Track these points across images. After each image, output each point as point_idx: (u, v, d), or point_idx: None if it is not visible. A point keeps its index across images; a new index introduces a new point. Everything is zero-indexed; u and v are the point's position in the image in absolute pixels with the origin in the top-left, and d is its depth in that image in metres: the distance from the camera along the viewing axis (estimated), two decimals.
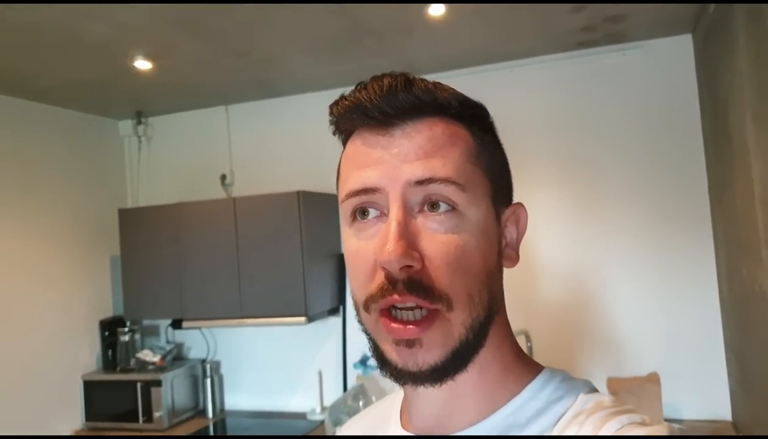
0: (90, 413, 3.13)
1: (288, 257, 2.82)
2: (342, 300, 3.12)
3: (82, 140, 3.36)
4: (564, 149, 2.86)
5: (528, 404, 0.55)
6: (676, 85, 2.73)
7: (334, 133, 0.58)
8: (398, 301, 0.50)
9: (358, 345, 3.08)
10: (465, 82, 2.98)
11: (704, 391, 2.63)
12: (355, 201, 0.54)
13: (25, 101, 3.01)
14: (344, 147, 0.58)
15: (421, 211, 0.52)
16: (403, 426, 0.61)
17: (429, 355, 0.51)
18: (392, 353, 0.52)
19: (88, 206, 3.33)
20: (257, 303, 2.88)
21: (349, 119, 0.55)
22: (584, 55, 2.83)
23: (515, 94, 2.91)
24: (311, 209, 2.90)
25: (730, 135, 2.21)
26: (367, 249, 0.52)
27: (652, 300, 2.73)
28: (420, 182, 0.51)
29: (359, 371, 3.01)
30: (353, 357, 3.07)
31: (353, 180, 0.53)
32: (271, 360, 3.29)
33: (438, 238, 0.51)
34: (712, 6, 2.29)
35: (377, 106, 0.52)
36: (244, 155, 3.38)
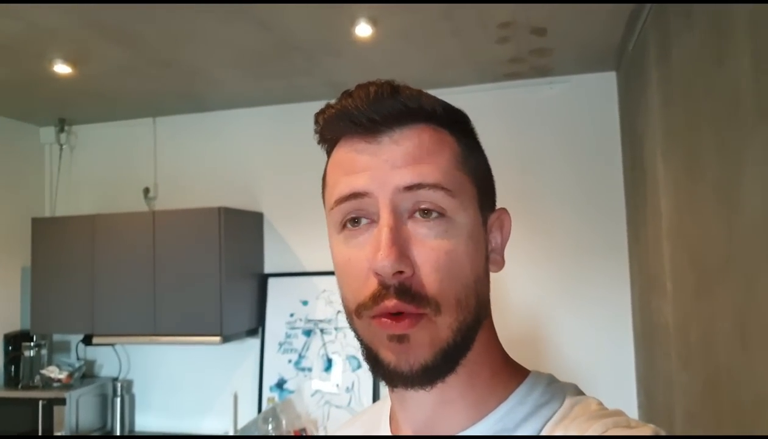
0: None
1: (206, 274, 2.74)
2: (261, 321, 3.04)
3: (0, 145, 3.21)
4: (499, 177, 2.86)
5: (516, 409, 0.55)
6: (601, 119, 2.80)
7: (318, 143, 0.57)
8: (390, 308, 0.50)
9: (276, 367, 2.99)
10: None
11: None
12: (345, 207, 0.53)
13: None
14: (329, 156, 0.58)
15: (410, 217, 0.52)
16: (393, 432, 0.61)
17: (418, 354, 0.51)
18: (386, 352, 0.52)
19: (2, 214, 3.17)
20: (172, 320, 2.78)
21: (336, 127, 0.55)
22: (513, 87, 2.88)
23: None
24: (233, 227, 2.83)
25: (645, 170, 2.27)
26: (359, 257, 0.52)
27: (574, 329, 2.76)
28: (409, 188, 0.51)
29: (275, 394, 2.92)
30: (270, 380, 2.98)
31: (342, 185, 0.53)
32: (186, 380, 3.17)
33: (428, 244, 0.52)
34: (631, 45, 2.37)
35: (364, 113, 0.52)
36: (170, 169, 3.29)
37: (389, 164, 0.52)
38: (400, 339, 0.51)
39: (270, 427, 2.48)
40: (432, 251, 0.51)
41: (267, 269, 3.12)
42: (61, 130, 3.37)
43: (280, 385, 2.93)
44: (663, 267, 2.00)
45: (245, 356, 3.09)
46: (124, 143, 3.38)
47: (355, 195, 0.53)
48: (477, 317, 0.55)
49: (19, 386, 3.01)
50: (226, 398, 3.04)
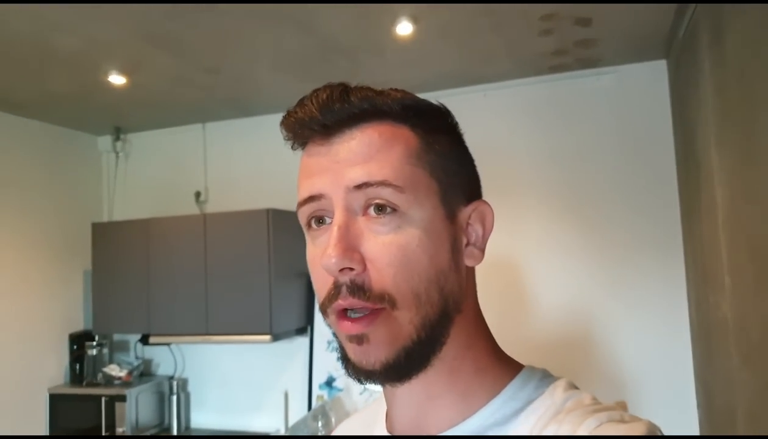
0: (54, 426, 3.09)
1: (255, 274, 2.80)
2: (310, 320, 3.09)
3: (61, 154, 3.38)
4: (542, 173, 2.84)
5: (507, 404, 0.55)
6: (651, 110, 2.71)
7: (292, 148, 0.59)
8: (342, 305, 0.51)
9: (325, 365, 3.03)
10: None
11: (673, 422, 2.55)
12: (306, 209, 0.55)
13: (2, 113, 3.03)
14: None
15: (364, 214, 0.53)
16: (388, 429, 0.62)
17: (379, 352, 0.52)
18: (350, 351, 0.53)
19: (64, 219, 3.34)
20: (223, 320, 2.85)
21: (295, 134, 0.57)
22: (558, 80, 2.82)
23: (490, 117, 2.91)
24: (281, 228, 2.89)
25: (698, 161, 2.19)
26: (319, 255, 0.53)
27: (626, 326, 2.68)
28: (358, 186, 0.52)
29: (324, 392, 2.96)
30: (319, 378, 3.02)
31: (302, 189, 0.55)
32: (238, 379, 3.25)
33: (380, 239, 0.52)
34: (682, 31, 2.29)
35: (316, 120, 0.54)
36: (219, 173, 3.39)
37: (341, 165, 0.53)
38: (359, 339, 0.52)
39: (320, 424, 2.51)
40: (384, 246, 0.52)
41: None
42: (117, 138, 3.52)
43: (329, 383, 2.97)
44: (720, 260, 1.92)
45: (295, 355, 3.15)
46: (175, 149, 3.50)
47: (312, 198, 0.54)
48: (444, 312, 0.54)
49: (84, 383, 3.17)
50: (277, 395, 3.10)
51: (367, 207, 0.53)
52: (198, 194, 3.37)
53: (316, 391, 2.98)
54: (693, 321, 2.52)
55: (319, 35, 2.30)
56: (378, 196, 0.52)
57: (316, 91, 0.55)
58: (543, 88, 2.85)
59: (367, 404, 0.73)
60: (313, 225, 0.56)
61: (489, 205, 0.59)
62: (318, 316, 3.07)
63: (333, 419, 2.51)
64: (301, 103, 0.55)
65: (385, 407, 0.64)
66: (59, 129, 3.37)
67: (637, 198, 2.70)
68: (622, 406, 2.54)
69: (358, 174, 0.52)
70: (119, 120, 3.39)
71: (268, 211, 2.81)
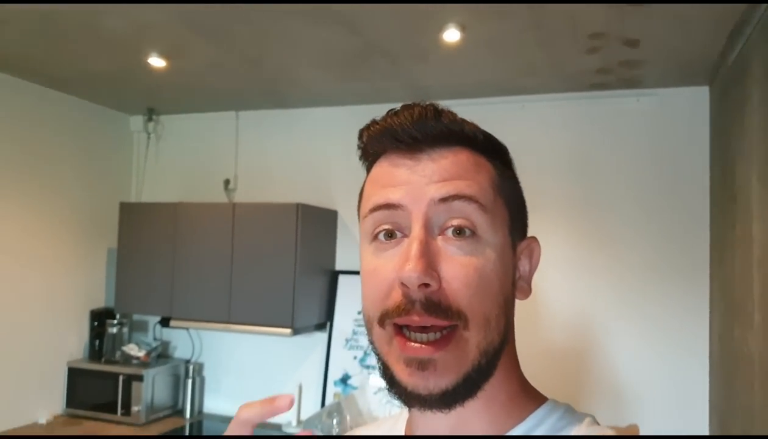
0: (71, 400, 3.14)
1: (281, 267, 2.82)
2: (330, 316, 3.11)
3: (93, 131, 3.41)
4: (572, 189, 2.83)
5: (532, 431, 0.56)
6: (689, 136, 2.69)
7: (360, 158, 0.60)
8: (417, 322, 0.51)
9: (341, 363, 3.05)
10: (477, 112, 2.94)
11: None
12: (377, 216, 0.55)
13: (39, 87, 3.06)
14: (368, 173, 0.60)
15: (441, 234, 0.53)
16: None
17: (441, 380, 0.51)
18: (403, 375, 0.52)
19: (92, 197, 3.36)
20: (245, 309, 2.88)
21: (379, 143, 0.57)
22: (597, 97, 2.80)
23: (526, 128, 2.89)
24: (309, 223, 2.90)
25: (735, 193, 2.17)
26: (386, 267, 0.53)
27: (642, 351, 2.67)
28: (444, 199, 0.52)
29: (338, 389, 2.98)
30: (335, 374, 3.04)
31: (377, 196, 0.55)
32: (254, 368, 3.28)
33: (457, 260, 0.52)
34: (731, 59, 2.26)
35: (407, 131, 0.54)
36: (250, 162, 3.40)
37: (426, 180, 0.53)
38: (423, 365, 0.51)
39: (334, 421, 2.54)
40: (461, 267, 0.52)
41: (338, 266, 3.19)
42: (149, 119, 3.53)
43: (344, 380, 2.99)
44: (751, 296, 1.91)
45: (312, 350, 3.17)
46: (207, 135, 3.51)
47: (388, 206, 0.54)
48: (504, 340, 0.55)
49: (102, 360, 3.21)
50: (291, 389, 3.12)
51: (445, 228, 0.53)
52: (227, 182, 3.39)
53: (330, 387, 3.01)
54: (714, 352, 2.51)
55: (365, 36, 2.30)
56: (462, 213, 0.53)
57: (407, 105, 0.56)
58: (581, 104, 2.83)
59: (378, 421, 0.73)
60: (381, 238, 0.55)
61: (538, 242, 0.61)
62: (338, 313, 3.08)
63: (348, 417, 2.53)
64: (391, 114, 0.56)
65: (403, 424, 0.65)
66: (93, 106, 3.39)
67: (665, 224, 2.69)
68: (634, 430, 2.54)
69: (445, 188, 0.53)
70: (154, 101, 3.41)
71: (297, 205, 2.83)
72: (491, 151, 0.58)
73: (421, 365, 0.51)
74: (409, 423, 0.63)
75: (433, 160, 0.54)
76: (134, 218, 3.18)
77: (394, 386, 0.54)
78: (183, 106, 3.45)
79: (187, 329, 3.30)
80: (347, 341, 3.04)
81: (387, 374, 0.54)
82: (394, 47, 2.40)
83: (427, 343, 0.51)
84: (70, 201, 3.23)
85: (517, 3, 1.95)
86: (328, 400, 2.98)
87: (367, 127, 0.58)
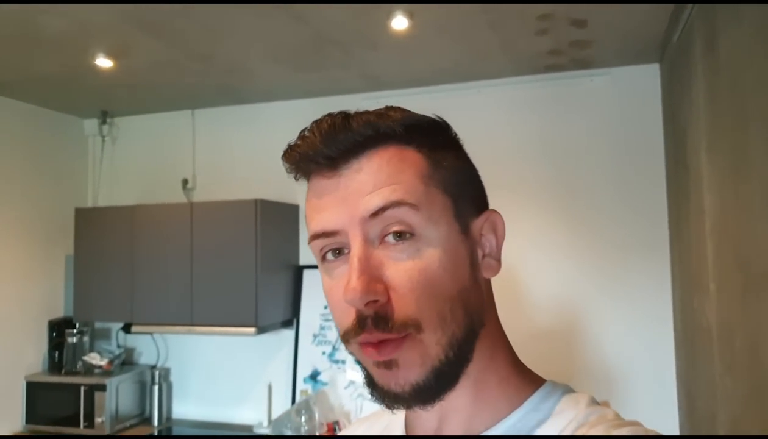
0: (31, 415, 3.04)
1: (242, 265, 2.77)
2: (296, 313, 3.07)
3: (46, 136, 3.32)
4: (533, 171, 2.84)
5: (529, 416, 0.55)
6: (642, 113, 2.72)
7: (296, 179, 0.58)
8: (369, 339, 0.51)
9: (310, 359, 3.01)
10: (433, 100, 3.00)
11: (653, 423, 2.57)
12: (319, 243, 0.55)
13: None
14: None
15: (381, 242, 0.53)
16: (408, 434, 0.63)
17: (409, 374, 0.51)
18: (377, 376, 0.54)
19: (48, 203, 3.28)
20: (208, 311, 2.83)
21: (299, 168, 0.56)
22: (552, 79, 2.82)
23: (483, 114, 2.90)
24: (269, 219, 2.86)
25: (687, 165, 2.20)
26: (338, 287, 0.53)
27: (613, 326, 2.70)
28: (375, 214, 0.52)
29: (308, 386, 2.95)
30: (304, 371, 3.01)
31: (314, 224, 0.55)
32: (222, 370, 3.23)
33: (400, 266, 0.52)
34: (676, 36, 2.29)
35: (320, 152, 0.53)
36: (207, 161, 3.34)
37: (353, 196, 0.53)
38: (388, 365, 0.52)
39: (303, 419, 2.50)
40: (405, 273, 0.51)
41: (302, 261, 3.15)
42: (104, 122, 3.45)
43: (314, 376, 2.96)
44: (706, 267, 1.94)
45: (280, 348, 3.13)
46: (163, 135, 3.45)
47: (326, 234, 0.54)
48: (469, 328, 0.54)
49: (63, 371, 3.12)
50: (261, 388, 3.09)
51: (384, 235, 0.52)
52: (185, 182, 3.33)
53: (300, 385, 2.97)
54: (677, 324, 2.55)
55: (314, 26, 2.27)
56: (395, 218, 0.52)
57: (316, 122, 0.54)
58: (537, 87, 2.85)
59: (375, 412, 0.72)
60: (329, 257, 0.55)
61: (499, 213, 0.59)
62: (305, 308, 3.05)
63: (317, 414, 2.50)
64: (302, 136, 0.55)
65: (400, 414, 0.64)
66: (44, 111, 3.30)
67: (626, 198, 2.72)
68: (605, 405, 2.56)
69: (372, 202, 0.52)
70: (106, 103, 3.33)
71: (256, 201, 2.78)
72: (417, 138, 0.55)
73: (387, 365, 0.52)
74: (407, 417, 0.64)
75: (356, 172, 0.53)
76: (91, 223, 3.10)
77: (375, 389, 0.55)
78: (137, 107, 3.38)
79: (150, 334, 3.23)
80: (315, 336, 3.00)
81: (368, 378, 0.56)
82: (345, 36, 2.38)
83: (384, 345, 0.51)
84: (24, 209, 3.13)
85: None
86: (299, 398, 2.95)
87: (285, 153, 0.56)
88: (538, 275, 2.80)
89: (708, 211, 1.92)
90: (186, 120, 3.38)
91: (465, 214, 0.56)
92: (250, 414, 3.11)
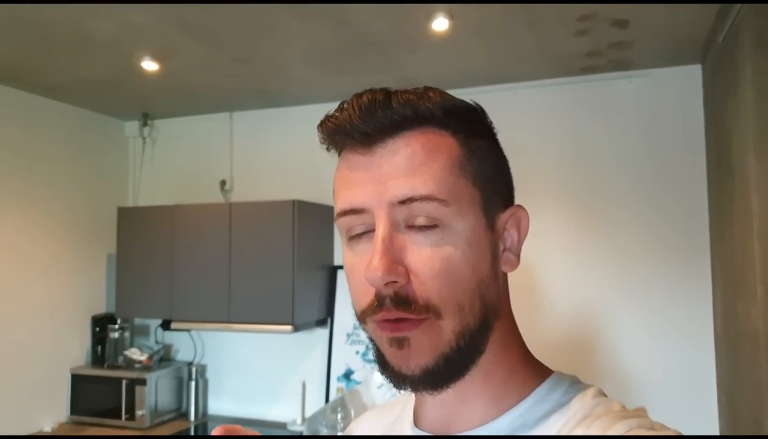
0: (75, 407, 3.13)
1: (279, 264, 2.81)
2: (330, 312, 3.10)
3: (89, 138, 3.41)
4: (567, 175, 2.82)
5: (536, 407, 0.55)
6: (683, 115, 2.68)
7: (327, 150, 0.58)
8: (387, 316, 0.52)
9: (344, 358, 3.04)
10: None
11: (693, 431, 2.54)
12: (345, 220, 0.55)
13: (35, 96, 3.07)
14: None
15: (407, 226, 0.53)
16: (416, 425, 0.62)
17: (419, 357, 0.52)
18: (389, 355, 0.54)
19: (90, 203, 3.37)
20: (245, 309, 2.87)
21: (334, 141, 0.56)
22: (589, 81, 2.80)
23: (518, 116, 2.89)
24: (306, 219, 2.89)
25: (732, 168, 2.16)
26: (360, 266, 0.53)
27: (646, 333, 2.66)
28: (402, 202, 0.52)
29: (342, 384, 2.97)
30: (337, 370, 3.03)
31: (341, 200, 0.55)
32: (257, 367, 3.27)
33: (423, 252, 0.52)
34: (722, 36, 2.25)
35: (357, 127, 0.53)
36: (245, 162, 3.40)
37: (383, 178, 0.52)
38: (400, 343, 0.52)
39: (339, 417, 2.52)
40: (428, 259, 0.52)
41: (337, 261, 3.18)
42: (144, 124, 3.54)
43: (347, 375, 2.98)
44: (753, 271, 1.90)
45: (314, 346, 3.16)
46: (202, 137, 3.52)
47: (353, 210, 0.54)
48: (484, 321, 0.55)
49: (105, 365, 3.21)
50: (295, 386, 3.12)
51: (410, 221, 0.52)
52: (223, 183, 3.39)
53: (334, 383, 3.00)
54: (718, 329, 2.50)
55: (353, 29, 2.29)
56: (423, 212, 0.52)
57: (357, 95, 0.54)
58: (573, 88, 2.83)
59: (389, 402, 0.73)
60: (354, 234, 0.56)
61: (525, 210, 0.59)
62: (339, 308, 3.08)
63: (352, 412, 2.52)
64: (341, 108, 0.55)
65: (411, 405, 0.65)
66: (88, 113, 3.39)
67: (662, 203, 2.68)
68: (642, 414, 2.52)
69: (402, 189, 0.52)
70: (147, 106, 3.41)
71: (293, 202, 2.82)
72: (455, 124, 0.55)
73: (399, 343, 0.52)
74: (416, 407, 0.64)
75: (390, 152, 0.53)
76: (132, 223, 3.18)
77: (386, 368, 0.55)
78: (177, 109, 3.46)
79: (188, 331, 3.29)
80: (348, 335, 3.03)
81: (379, 357, 0.56)
82: (383, 38, 2.40)
83: (402, 322, 0.52)
84: (68, 209, 3.23)
85: None
86: (332, 396, 2.97)
87: (321, 123, 0.56)
88: (567, 280, 2.78)
89: (755, 213, 1.88)
90: (224, 122, 3.45)
91: (492, 208, 0.56)
92: (284, 411, 3.15)
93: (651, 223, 2.69)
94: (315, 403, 3.07)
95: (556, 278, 2.79)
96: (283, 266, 2.80)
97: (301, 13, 2.15)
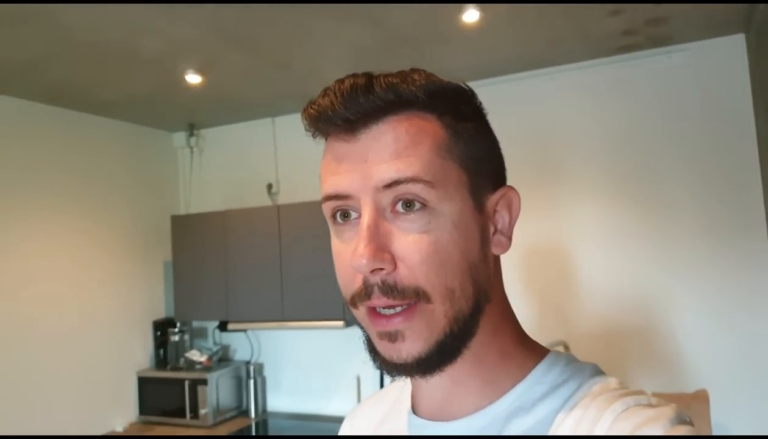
0: (143, 408, 3.31)
1: (328, 262, 2.84)
2: None
3: (140, 151, 3.58)
4: (609, 157, 2.78)
5: (533, 389, 0.55)
6: (727, 87, 2.61)
7: (313, 137, 0.58)
8: (376, 304, 0.52)
9: None
10: (505, 89, 3.00)
11: (758, 411, 2.48)
12: (330, 205, 0.55)
13: (87, 115, 3.24)
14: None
15: (392, 210, 0.52)
16: (414, 410, 0.63)
17: (413, 347, 0.52)
18: (380, 346, 0.54)
19: (145, 213, 3.53)
20: (298, 306, 2.96)
21: (317, 127, 0.56)
22: (627, 60, 2.76)
23: (556, 100, 2.87)
24: None
25: None
26: (346, 251, 0.54)
27: (705, 313, 2.60)
28: (388, 186, 0.51)
29: None
30: None
31: (327, 185, 0.55)
32: (312, 364, 3.36)
33: (410, 237, 0.51)
34: (762, 5, 2.20)
35: (339, 114, 0.52)
36: (289, 165, 3.49)
37: (367, 164, 0.52)
38: (392, 337, 0.52)
39: None
40: (414, 244, 0.51)
41: None
42: (191, 134, 3.68)
43: None
44: None
45: None
46: (246, 143, 3.63)
47: (338, 196, 0.54)
48: (476, 304, 0.54)
49: (168, 367, 3.36)
50: (349, 380, 3.19)
51: (395, 203, 0.52)
52: (270, 186, 3.49)
53: (387, 377, 3.04)
54: None
55: (386, 28, 2.34)
56: (408, 192, 0.51)
57: (339, 81, 0.53)
58: (611, 69, 2.79)
59: (387, 389, 0.73)
60: (338, 219, 0.55)
61: (516, 190, 0.58)
62: None
63: None
64: (323, 93, 0.54)
65: (408, 390, 0.65)
66: (137, 127, 3.56)
67: (714, 181, 2.61)
68: (702, 395, 2.47)
69: (387, 173, 0.51)
70: (193, 117, 3.55)
71: None
72: (440, 106, 0.54)
73: (391, 337, 0.52)
74: (413, 392, 0.64)
75: (373, 138, 0.52)
76: (185, 230, 3.32)
77: (375, 356, 0.55)
78: (221, 117, 3.58)
79: (244, 331, 3.41)
80: None
81: (369, 344, 0.56)
82: (417, 34, 2.43)
83: (395, 314, 0.51)
84: (125, 221, 3.40)
85: None
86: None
87: (304, 110, 0.56)
88: (609, 264, 2.74)
89: None
90: (267, 128, 3.55)
91: (481, 189, 0.55)
92: (340, 405, 3.23)
93: (704, 200, 2.62)
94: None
95: (607, 264, 2.75)
96: (332, 263, 2.86)
97: (335, 15, 2.21)
